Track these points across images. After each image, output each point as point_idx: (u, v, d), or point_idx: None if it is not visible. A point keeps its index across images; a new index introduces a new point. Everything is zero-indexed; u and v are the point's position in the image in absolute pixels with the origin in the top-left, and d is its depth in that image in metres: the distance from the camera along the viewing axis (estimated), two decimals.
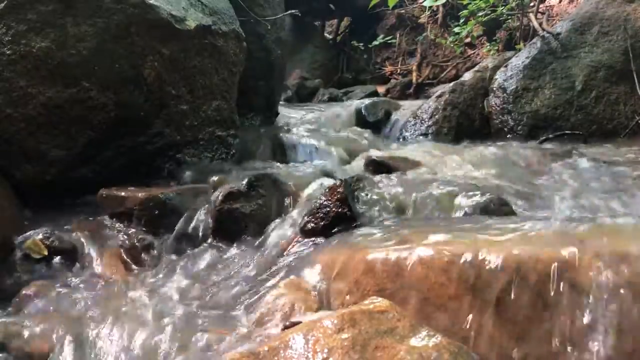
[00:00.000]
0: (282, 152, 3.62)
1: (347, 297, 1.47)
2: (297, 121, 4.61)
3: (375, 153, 2.97)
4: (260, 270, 1.88)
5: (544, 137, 3.39)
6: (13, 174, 2.47)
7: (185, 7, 2.84)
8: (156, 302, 1.78)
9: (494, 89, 3.80)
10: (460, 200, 1.98)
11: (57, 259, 2.11)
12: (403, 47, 7.52)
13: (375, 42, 7.20)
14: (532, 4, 4.71)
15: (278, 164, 3.17)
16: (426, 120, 3.99)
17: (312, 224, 1.94)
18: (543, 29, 3.92)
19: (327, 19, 8.37)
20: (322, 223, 1.93)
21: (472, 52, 6.64)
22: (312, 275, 1.64)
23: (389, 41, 7.30)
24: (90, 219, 2.39)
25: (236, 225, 2.17)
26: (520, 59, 3.81)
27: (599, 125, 3.47)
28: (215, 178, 2.52)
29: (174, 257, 2.17)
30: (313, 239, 1.92)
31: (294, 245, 1.96)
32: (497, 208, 1.93)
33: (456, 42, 5.76)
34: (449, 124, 3.89)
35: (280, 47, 4.24)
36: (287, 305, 1.53)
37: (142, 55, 2.59)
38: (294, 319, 1.44)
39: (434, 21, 7.14)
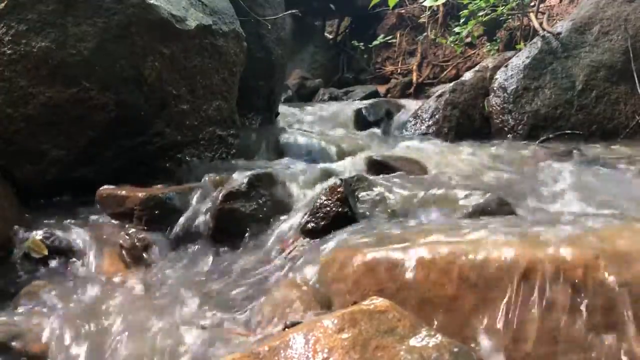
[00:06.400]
0: (282, 151, 3.62)
1: (347, 297, 1.47)
2: (297, 121, 4.62)
3: (375, 153, 2.96)
4: (261, 270, 1.88)
5: (544, 137, 3.39)
6: (13, 173, 2.47)
7: (186, 7, 2.84)
8: (156, 301, 1.78)
9: (495, 88, 3.80)
10: (460, 200, 1.98)
11: (57, 258, 2.11)
12: (403, 47, 7.52)
13: (376, 42, 7.19)
14: (532, 4, 4.71)
15: (278, 163, 3.17)
16: (426, 119, 3.99)
17: (313, 224, 1.94)
18: (543, 29, 3.91)
19: (328, 19, 8.37)
20: (323, 223, 1.93)
21: (473, 51, 6.63)
22: (312, 275, 1.64)
23: (389, 41, 7.28)
24: (91, 218, 2.39)
25: (236, 225, 2.17)
26: (520, 58, 3.81)
27: (600, 125, 3.47)
28: (215, 178, 2.51)
29: (174, 256, 2.17)
30: (313, 238, 1.92)
31: (294, 245, 1.95)
32: (497, 208, 1.92)
33: (456, 42, 5.75)
34: (449, 123, 3.89)
35: (280, 47, 4.23)
36: (287, 305, 1.53)
37: (142, 55, 2.59)
38: (294, 319, 1.44)
39: (434, 21, 7.13)
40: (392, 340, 1.04)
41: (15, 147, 2.44)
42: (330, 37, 8.41)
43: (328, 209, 1.94)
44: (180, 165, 2.82)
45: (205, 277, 1.94)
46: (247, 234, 2.15)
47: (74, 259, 2.14)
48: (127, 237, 2.25)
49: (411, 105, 4.69)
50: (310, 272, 1.66)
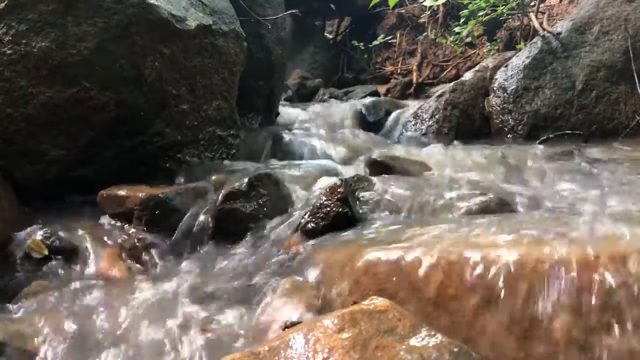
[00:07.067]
0: (282, 151, 3.62)
1: (348, 296, 1.47)
2: (297, 121, 4.61)
3: (375, 153, 2.96)
4: (261, 271, 1.88)
5: (544, 137, 3.39)
6: (13, 173, 2.47)
7: (186, 7, 2.84)
8: (156, 301, 1.78)
9: (495, 88, 3.80)
10: (460, 199, 1.98)
11: (57, 258, 2.11)
12: (403, 47, 7.51)
13: (376, 42, 7.18)
14: (532, 4, 4.71)
15: (278, 163, 3.16)
16: (427, 120, 3.99)
17: (313, 224, 1.94)
18: (543, 29, 3.91)
19: (328, 18, 8.36)
20: (323, 223, 1.92)
21: (473, 51, 6.62)
22: (312, 275, 1.64)
23: (389, 41, 7.28)
24: (91, 218, 2.39)
25: (236, 225, 2.17)
26: (520, 58, 3.81)
27: (600, 125, 3.47)
28: (215, 178, 2.51)
29: (174, 257, 2.17)
30: (313, 238, 1.91)
31: (294, 245, 1.95)
32: (497, 208, 1.93)
33: (457, 42, 5.74)
34: (450, 123, 3.89)
35: (280, 47, 4.23)
36: (287, 305, 1.53)
37: (142, 55, 2.59)
38: (294, 319, 1.44)
39: (434, 21, 7.12)
40: (392, 340, 1.04)
41: (15, 147, 2.44)
42: (330, 37, 8.41)
43: (328, 209, 1.94)
44: (180, 165, 2.82)
45: (205, 277, 1.94)
46: (247, 234, 2.14)
47: (74, 259, 2.14)
48: (127, 237, 2.25)
49: (411, 105, 4.69)
50: (310, 272, 1.66)
